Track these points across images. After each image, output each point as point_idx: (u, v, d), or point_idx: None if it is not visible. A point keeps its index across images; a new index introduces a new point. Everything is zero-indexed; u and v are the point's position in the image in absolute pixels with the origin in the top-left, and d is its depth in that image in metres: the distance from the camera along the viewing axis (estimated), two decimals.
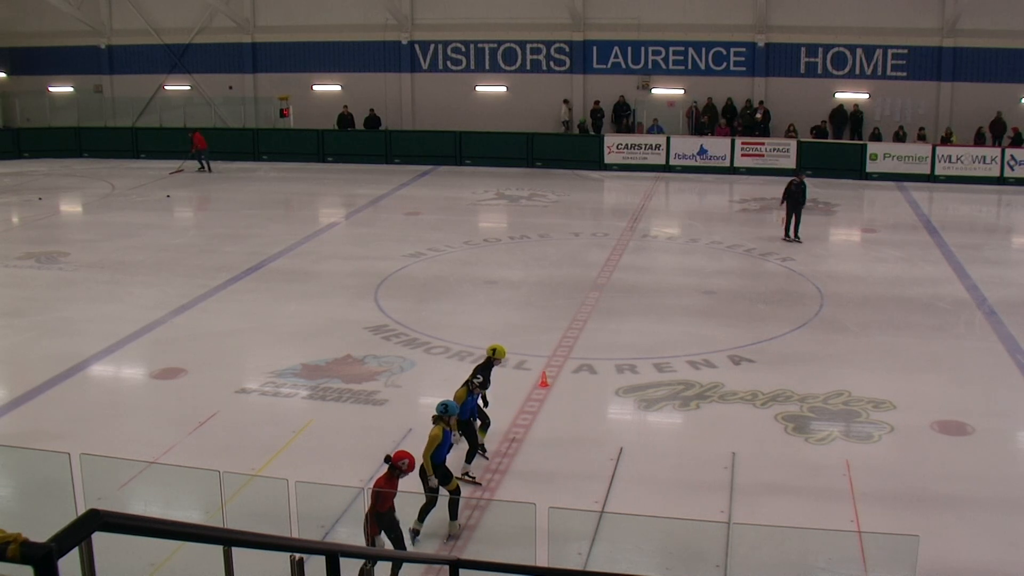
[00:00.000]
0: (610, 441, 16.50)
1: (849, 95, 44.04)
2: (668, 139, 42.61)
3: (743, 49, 44.51)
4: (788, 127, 43.13)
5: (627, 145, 42.78)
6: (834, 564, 12.45)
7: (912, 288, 25.85)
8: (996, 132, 42.42)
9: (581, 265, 27.66)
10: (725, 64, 44.83)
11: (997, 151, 40.79)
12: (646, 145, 42.66)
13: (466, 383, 15.44)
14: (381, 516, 12.05)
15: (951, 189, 39.69)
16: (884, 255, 29.32)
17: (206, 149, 43.08)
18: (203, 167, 43.04)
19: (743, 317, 23.30)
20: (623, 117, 45.11)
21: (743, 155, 41.86)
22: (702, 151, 42.12)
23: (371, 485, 12.66)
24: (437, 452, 13.45)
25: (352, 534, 12.74)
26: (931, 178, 40.58)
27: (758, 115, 43.81)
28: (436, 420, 13.67)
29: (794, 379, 19.05)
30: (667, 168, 42.27)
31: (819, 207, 36.00)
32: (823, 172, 40.64)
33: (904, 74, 43.69)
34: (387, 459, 12.23)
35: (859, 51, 43.77)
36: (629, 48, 45.37)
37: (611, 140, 43.07)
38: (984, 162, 40.56)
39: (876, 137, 42.75)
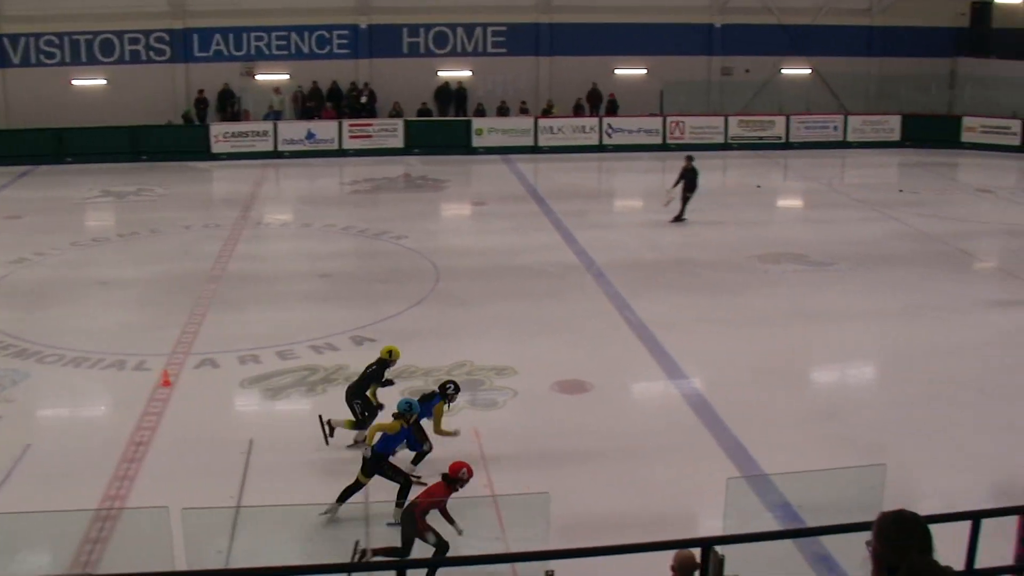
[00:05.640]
0: (239, 434, 16.18)
1: (452, 73, 44.95)
2: (275, 125, 42.16)
3: (346, 32, 44.57)
4: (393, 106, 43.54)
5: (234, 133, 42.04)
6: (473, 529, 12.67)
7: (524, 256, 26.71)
8: (593, 102, 44.56)
9: (195, 258, 26.95)
10: (328, 47, 44.76)
11: (595, 120, 42.99)
12: (253, 132, 42.05)
13: (400, 415, 14.35)
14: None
15: (554, 159, 41.26)
16: (495, 227, 30.16)
17: None
18: None
19: (362, 297, 23.42)
20: (229, 105, 44.22)
21: (351, 137, 41.96)
22: (310, 135, 41.91)
23: None
24: (384, 442, 13.69)
25: None
26: (535, 149, 42.10)
27: (363, 98, 44.04)
28: (397, 416, 13.87)
29: (417, 354, 19.23)
30: (276, 155, 41.74)
31: (429, 183, 36.63)
32: (431, 150, 41.41)
33: (504, 50, 45.07)
34: (444, 476, 12.53)
35: (460, 29, 44.76)
36: (231, 35, 44.49)
37: (217, 129, 42.16)
38: (584, 131, 42.63)
39: (480, 112, 43.87)
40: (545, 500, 12.02)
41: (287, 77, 44.64)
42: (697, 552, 8.43)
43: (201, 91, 44.04)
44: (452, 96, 44.83)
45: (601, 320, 21.81)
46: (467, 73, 45.03)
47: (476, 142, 42.23)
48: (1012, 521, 9.48)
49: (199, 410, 17.36)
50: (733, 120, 44.12)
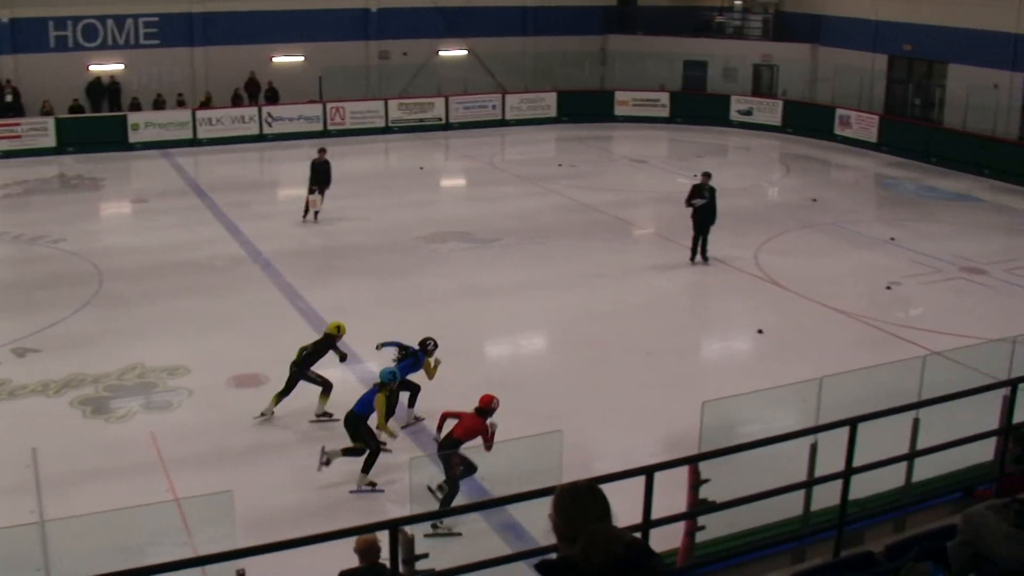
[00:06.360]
0: None
1: (104, 67, 43.32)
2: None
3: None
4: (43, 104, 41.65)
5: None
6: (159, 536, 12.44)
7: (190, 252, 26.22)
8: (252, 92, 44.00)
9: None
10: None
11: (255, 110, 42.43)
12: None
13: (384, 385, 14.88)
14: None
15: (215, 151, 40.48)
16: (157, 223, 29.40)
17: None
18: None
19: (21, 307, 22.41)
20: None
21: None
22: None
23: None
24: (362, 405, 14.71)
25: None
26: (194, 142, 41.15)
27: (8, 96, 41.95)
28: (381, 386, 14.68)
29: (84, 361, 18.66)
30: None
31: (86, 183, 35.35)
32: (85, 147, 39.79)
33: (157, 42, 43.77)
34: (477, 410, 13.80)
35: (110, 22, 43.15)
36: None
37: None
38: (244, 121, 41.99)
39: (135, 107, 42.54)
40: (228, 498, 11.90)
41: None
42: (383, 535, 8.54)
43: None
44: (105, 91, 43.25)
45: (272, 311, 21.72)
46: (120, 67, 43.49)
47: (133, 137, 40.86)
48: (683, 471, 9.99)
49: None
50: (393, 103, 44.42)
